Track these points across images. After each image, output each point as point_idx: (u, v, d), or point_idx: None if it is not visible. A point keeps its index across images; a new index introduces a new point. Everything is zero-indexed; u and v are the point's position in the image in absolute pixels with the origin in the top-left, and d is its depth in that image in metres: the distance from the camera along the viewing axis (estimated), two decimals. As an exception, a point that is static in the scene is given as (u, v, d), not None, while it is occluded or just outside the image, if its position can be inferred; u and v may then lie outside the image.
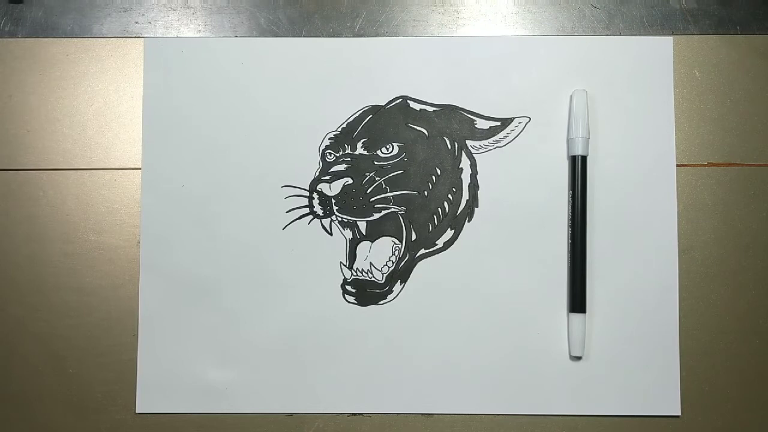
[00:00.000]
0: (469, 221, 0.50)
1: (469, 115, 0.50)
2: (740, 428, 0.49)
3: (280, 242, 0.50)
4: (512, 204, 0.49)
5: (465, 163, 0.50)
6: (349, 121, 0.50)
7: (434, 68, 0.50)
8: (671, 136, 0.50)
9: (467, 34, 0.51)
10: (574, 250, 0.48)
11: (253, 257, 0.50)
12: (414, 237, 0.50)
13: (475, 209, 0.50)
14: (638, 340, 0.49)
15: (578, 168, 0.49)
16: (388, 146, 0.50)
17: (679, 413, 0.48)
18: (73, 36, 0.51)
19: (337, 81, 0.50)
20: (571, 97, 0.49)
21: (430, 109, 0.50)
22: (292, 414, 0.49)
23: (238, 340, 0.49)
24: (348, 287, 0.49)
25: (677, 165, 0.50)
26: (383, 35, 0.51)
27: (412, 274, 0.49)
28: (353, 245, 0.50)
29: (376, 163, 0.50)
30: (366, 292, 0.49)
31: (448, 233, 0.50)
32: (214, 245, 0.50)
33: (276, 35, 0.51)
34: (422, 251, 0.50)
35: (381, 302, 0.49)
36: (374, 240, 0.50)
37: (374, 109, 0.50)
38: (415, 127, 0.50)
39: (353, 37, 0.51)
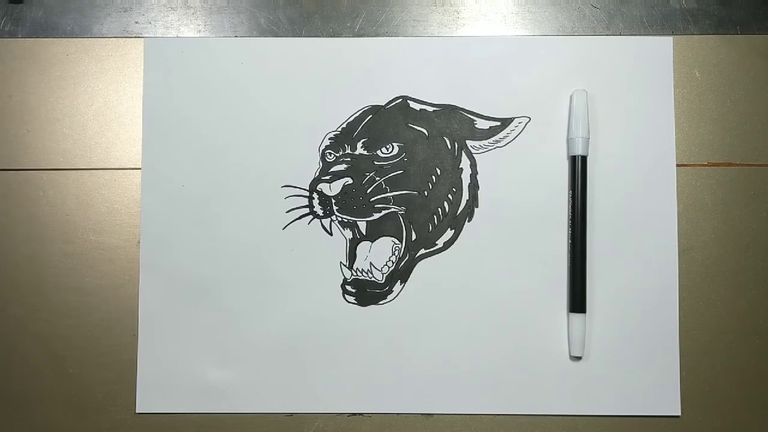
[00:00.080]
0: (469, 221, 0.50)
1: (469, 115, 0.50)
2: (740, 428, 0.49)
3: (280, 242, 0.50)
4: (512, 204, 0.49)
5: (465, 163, 0.50)
6: (349, 121, 0.50)
7: (434, 68, 0.50)
8: (671, 136, 0.50)
9: (467, 34, 0.51)
10: (574, 250, 0.48)
11: (253, 257, 0.50)
12: (414, 237, 0.50)
13: (475, 209, 0.50)
14: (638, 340, 0.49)
15: (578, 168, 0.49)
16: (388, 146, 0.50)
17: (679, 413, 0.48)
18: (73, 36, 0.51)
19: (337, 81, 0.50)
20: (571, 97, 0.49)
21: (430, 109, 0.50)
22: (292, 414, 0.49)
23: (238, 340, 0.49)
24: (348, 287, 0.49)
25: (677, 165, 0.50)
26: (383, 35, 0.51)
27: (412, 274, 0.49)
28: (353, 245, 0.50)
29: (376, 163, 0.50)
30: (366, 292, 0.49)
31: (448, 233, 0.50)
32: (214, 245, 0.50)
33: (276, 35, 0.51)
34: (422, 251, 0.50)
35: (381, 302, 0.49)
36: (374, 240, 0.50)
37: (374, 109, 0.50)
38: (415, 127, 0.50)
39: (353, 37, 0.51)
